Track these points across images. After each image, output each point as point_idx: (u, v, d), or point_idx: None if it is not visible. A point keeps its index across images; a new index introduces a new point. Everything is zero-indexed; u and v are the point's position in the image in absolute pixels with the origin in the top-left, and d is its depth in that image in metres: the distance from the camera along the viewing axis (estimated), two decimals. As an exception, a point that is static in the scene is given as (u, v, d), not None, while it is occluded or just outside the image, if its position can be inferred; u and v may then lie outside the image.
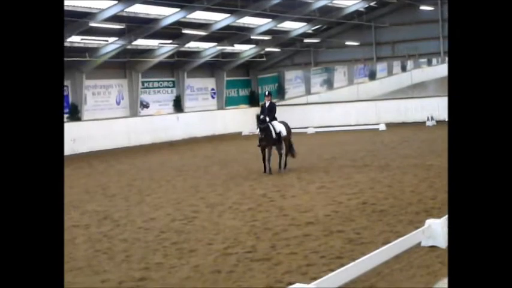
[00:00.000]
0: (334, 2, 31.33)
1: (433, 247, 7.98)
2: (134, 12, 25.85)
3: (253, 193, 13.63)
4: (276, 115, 17.44)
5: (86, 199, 14.21)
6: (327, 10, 32.21)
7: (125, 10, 24.51)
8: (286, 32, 34.48)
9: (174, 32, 28.17)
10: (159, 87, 33.39)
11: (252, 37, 32.44)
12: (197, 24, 28.92)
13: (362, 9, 34.11)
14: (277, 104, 18.90)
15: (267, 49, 36.03)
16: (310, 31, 35.55)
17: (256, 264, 7.81)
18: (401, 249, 7.65)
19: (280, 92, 40.00)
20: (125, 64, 30.56)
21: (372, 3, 34.04)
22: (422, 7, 32.78)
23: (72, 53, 26.01)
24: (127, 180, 17.23)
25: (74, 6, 23.23)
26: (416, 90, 42.68)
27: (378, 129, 31.62)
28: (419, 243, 8.04)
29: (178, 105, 33.88)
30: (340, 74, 44.87)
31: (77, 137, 26.66)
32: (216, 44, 32.53)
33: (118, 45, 27.57)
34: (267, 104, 17.35)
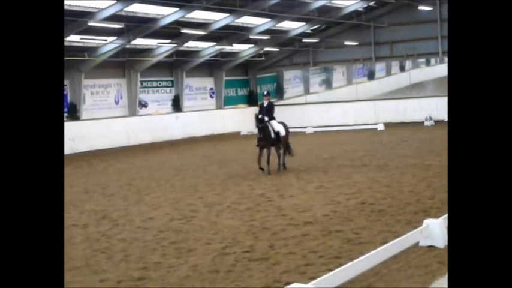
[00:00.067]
0: (332, 1, 31.32)
1: (431, 247, 7.98)
2: (133, 12, 25.84)
3: (251, 193, 13.62)
4: (275, 115, 17.45)
5: (84, 198, 14.21)
6: (325, 10, 32.22)
7: (123, 9, 24.50)
8: (285, 32, 34.47)
9: (172, 31, 28.16)
10: (157, 86, 33.37)
11: (250, 37, 32.45)
12: (196, 24, 28.91)
13: (361, 9, 34.11)
14: (275, 103, 18.95)
15: (266, 49, 36.02)
16: (308, 31, 35.55)
17: (255, 263, 7.81)
18: (400, 249, 7.67)
19: (279, 92, 39.98)
20: (124, 63, 30.54)
21: (371, 3, 34.04)
22: (421, 7, 32.81)
23: (71, 53, 25.98)
24: (126, 180, 17.23)
25: (72, 5, 23.20)
26: (415, 90, 42.63)
27: (376, 129, 31.63)
28: (417, 243, 8.05)
29: (177, 105, 33.86)
30: (338, 74, 44.90)
31: (76, 136, 26.65)
32: (214, 43, 32.52)
33: (117, 45, 27.54)
34: (265, 103, 17.36)
